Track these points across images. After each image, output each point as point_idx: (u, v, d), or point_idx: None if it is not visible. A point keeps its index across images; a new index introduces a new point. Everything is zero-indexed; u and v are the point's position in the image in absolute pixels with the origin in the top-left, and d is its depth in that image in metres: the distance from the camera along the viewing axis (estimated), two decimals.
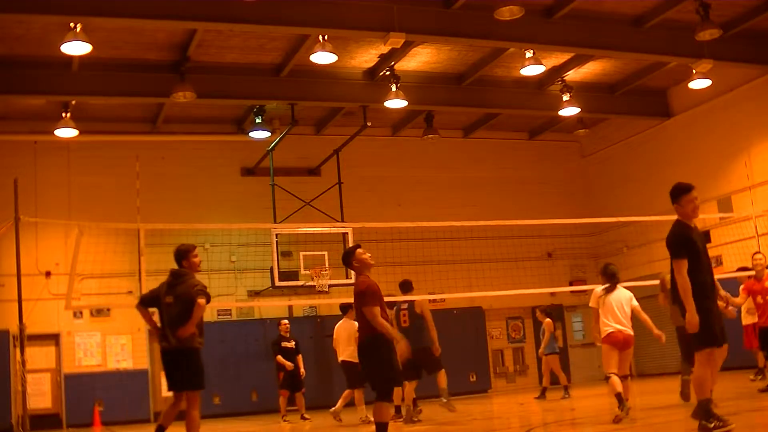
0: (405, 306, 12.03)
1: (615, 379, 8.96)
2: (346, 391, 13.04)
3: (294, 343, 15.38)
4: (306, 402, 16.27)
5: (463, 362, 19.84)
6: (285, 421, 14.94)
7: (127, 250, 16.80)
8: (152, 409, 18.81)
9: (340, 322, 13.54)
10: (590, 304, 9.66)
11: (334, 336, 13.52)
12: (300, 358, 15.35)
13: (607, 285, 9.58)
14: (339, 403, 12.97)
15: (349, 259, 7.83)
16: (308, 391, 19.03)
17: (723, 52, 17.05)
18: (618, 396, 8.78)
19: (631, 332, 9.40)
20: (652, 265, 18.56)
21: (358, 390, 12.75)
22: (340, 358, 13.22)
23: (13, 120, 18.42)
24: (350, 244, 17.26)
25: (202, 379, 7.62)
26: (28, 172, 17.89)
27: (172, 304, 7.54)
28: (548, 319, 15.90)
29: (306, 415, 15.17)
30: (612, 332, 9.25)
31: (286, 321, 15.94)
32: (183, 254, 7.89)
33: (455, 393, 15.76)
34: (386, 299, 8.82)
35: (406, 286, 12.29)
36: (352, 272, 7.96)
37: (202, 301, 7.36)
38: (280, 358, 15.14)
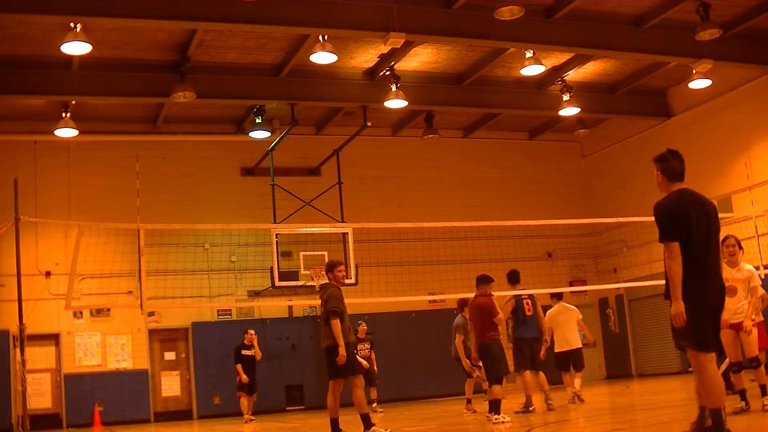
0: (526, 296, 12.05)
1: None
2: (565, 376, 13.08)
3: (254, 351, 16.02)
4: (307, 401, 16.25)
5: None
6: (246, 423, 15.45)
7: (127, 250, 16.80)
8: (152, 409, 18.83)
9: (557, 308, 13.27)
10: (756, 283, 8.67)
11: (546, 324, 12.92)
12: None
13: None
14: (569, 389, 12.96)
15: (489, 282, 10.68)
16: (309, 390, 19.11)
17: (723, 52, 17.05)
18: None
19: None
20: (651, 265, 18.56)
21: (567, 374, 13.01)
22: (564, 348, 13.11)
23: (13, 120, 18.42)
24: (350, 244, 17.30)
25: (356, 367, 9.10)
26: (28, 172, 17.90)
27: (322, 313, 9.11)
28: None
29: (252, 417, 15.80)
30: None
31: (253, 331, 16.32)
32: (330, 268, 9.36)
33: (455, 393, 15.80)
34: (469, 295, 12.11)
35: (514, 277, 12.23)
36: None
37: (335, 322, 8.87)
38: (239, 368, 15.73)
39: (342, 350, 8.78)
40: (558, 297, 13.62)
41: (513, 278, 12.22)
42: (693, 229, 5.68)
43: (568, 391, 12.90)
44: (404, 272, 18.34)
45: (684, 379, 15.14)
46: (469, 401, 13.06)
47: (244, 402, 15.83)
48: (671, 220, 5.68)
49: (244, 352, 15.96)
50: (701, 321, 5.61)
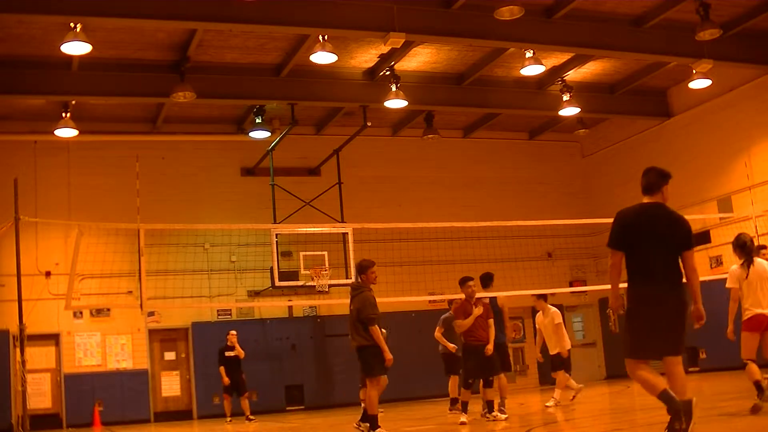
0: (487, 300, 11.70)
1: (753, 367, 8.21)
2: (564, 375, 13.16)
3: (235, 352, 16.28)
4: (307, 401, 16.17)
5: None
6: (228, 423, 15.70)
7: (127, 250, 16.81)
8: (152, 409, 18.83)
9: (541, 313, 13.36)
10: (729, 285, 8.58)
11: (538, 326, 13.30)
12: None
13: (743, 260, 8.52)
14: (558, 389, 12.95)
15: (463, 282, 10.81)
16: (309, 390, 19.11)
17: (723, 52, 17.05)
18: (757, 384, 8.12)
19: None
20: None
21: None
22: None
23: (13, 120, 18.42)
24: (350, 244, 17.34)
25: (375, 369, 8.89)
26: (28, 172, 17.91)
27: (354, 311, 8.99)
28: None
29: (251, 417, 15.93)
30: (755, 316, 8.33)
31: (234, 332, 16.59)
32: (363, 269, 9.17)
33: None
34: (452, 296, 12.53)
35: (485, 280, 12.05)
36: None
37: (374, 328, 8.82)
38: (222, 370, 16.09)
39: (388, 354, 8.82)
40: (544, 298, 13.39)
41: (484, 281, 12.05)
42: (639, 241, 6.06)
43: (556, 392, 12.85)
44: (404, 272, 18.32)
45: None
46: (454, 401, 13.03)
47: (227, 404, 16.25)
48: (620, 231, 6.16)
49: (227, 353, 16.23)
50: (636, 330, 5.99)
